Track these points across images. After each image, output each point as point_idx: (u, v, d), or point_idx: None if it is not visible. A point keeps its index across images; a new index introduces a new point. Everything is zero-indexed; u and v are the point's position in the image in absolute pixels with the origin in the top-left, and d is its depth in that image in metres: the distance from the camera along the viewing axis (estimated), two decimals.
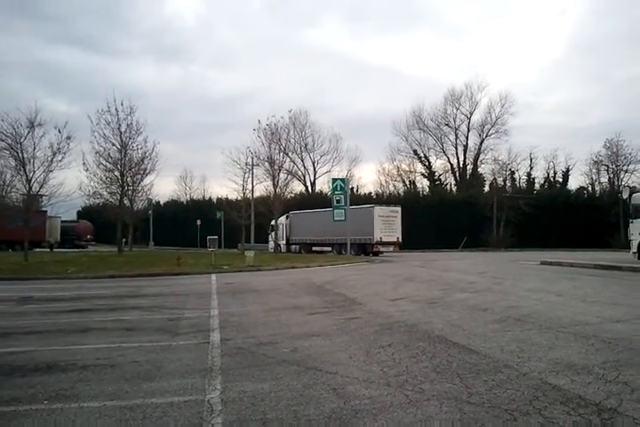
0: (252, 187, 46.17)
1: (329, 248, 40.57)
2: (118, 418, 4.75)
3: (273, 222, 45.71)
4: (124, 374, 6.24)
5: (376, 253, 37.08)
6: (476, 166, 67.75)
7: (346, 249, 37.09)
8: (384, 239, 37.15)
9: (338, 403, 5.05)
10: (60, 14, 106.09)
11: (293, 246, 45.22)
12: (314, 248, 42.09)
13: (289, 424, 4.53)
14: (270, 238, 47.32)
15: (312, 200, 57.28)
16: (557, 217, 52.71)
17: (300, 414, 4.76)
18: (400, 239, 38.07)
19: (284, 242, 45.83)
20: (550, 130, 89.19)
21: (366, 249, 37.52)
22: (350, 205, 37.80)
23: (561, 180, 64.30)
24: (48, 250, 46.42)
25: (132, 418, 4.74)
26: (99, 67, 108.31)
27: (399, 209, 38.75)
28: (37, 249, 42.53)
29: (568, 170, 63.88)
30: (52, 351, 7.60)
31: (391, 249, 37.70)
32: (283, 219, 45.86)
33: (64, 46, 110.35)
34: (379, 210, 37.92)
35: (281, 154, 43.12)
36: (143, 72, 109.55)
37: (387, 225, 37.56)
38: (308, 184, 70.11)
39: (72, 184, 47.99)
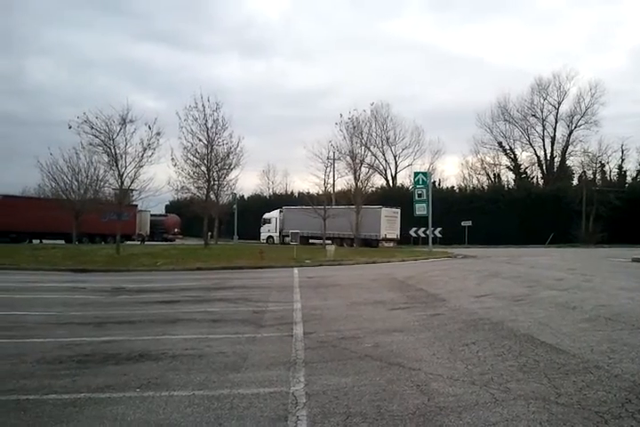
0: (334, 181, 46.44)
1: (328, 242, 43.94)
2: (206, 407, 4.90)
3: (265, 216, 52.61)
4: (212, 365, 6.43)
5: (377, 246, 42.55)
6: (564, 159, 65.42)
7: (347, 243, 43.32)
8: (388, 236, 44.06)
9: (422, 400, 5.02)
10: (145, 11, 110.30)
11: (287, 239, 48.71)
12: (311, 241, 46.34)
13: (372, 419, 4.55)
14: (262, 231, 53.69)
15: (393, 194, 56.85)
16: None
17: (384, 409, 4.77)
18: (399, 236, 44.72)
19: (277, 234, 51.97)
20: None
21: (371, 244, 42.77)
22: (432, 198, 37.88)
23: None
24: (139, 243, 48.23)
25: (220, 408, 4.88)
26: (184, 63, 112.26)
27: (399, 210, 44.91)
28: (128, 242, 44.27)
29: None
30: (143, 341, 7.90)
31: (392, 244, 43.85)
32: (275, 213, 52.63)
33: (150, 43, 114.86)
34: (385, 211, 43.68)
35: (362, 148, 43.01)
36: (227, 67, 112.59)
37: (390, 224, 44.28)
38: (390, 178, 69.60)
39: (161, 179, 50.04)
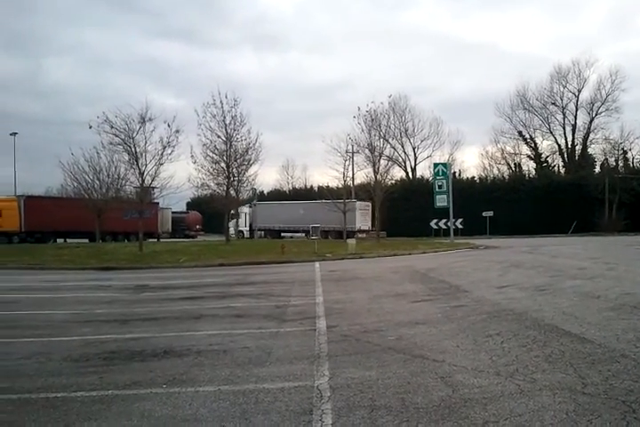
0: (353, 174, 46.44)
1: (300, 234, 47.55)
2: (232, 402, 4.93)
3: (233, 211, 51.84)
4: (236, 360, 6.47)
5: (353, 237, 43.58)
6: (585, 146, 64.56)
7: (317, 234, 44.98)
8: (362, 228, 47.13)
9: (446, 392, 5.01)
10: (159, 7, 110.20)
11: (258, 233, 53.06)
12: (282, 234, 50.93)
13: (397, 412, 4.54)
14: (231, 226, 52.75)
15: (413, 186, 56.63)
16: None
17: (409, 402, 4.77)
18: (370, 228, 47.06)
19: (247, 229, 54.64)
20: None
21: (347, 235, 42.25)
22: (452, 189, 37.88)
23: None
24: (155, 240, 48.54)
25: (246, 402, 4.91)
26: (200, 59, 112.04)
27: (370, 204, 45.53)
28: (151, 239, 44.60)
29: None
30: (167, 337, 7.97)
31: (365, 235, 45.32)
32: (245, 208, 53.74)
33: (166, 40, 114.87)
34: (359, 204, 46.04)
35: (381, 140, 42.57)
36: (243, 63, 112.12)
37: (363, 217, 47.56)
38: (409, 170, 69.11)
39: (181, 176, 50.18)
